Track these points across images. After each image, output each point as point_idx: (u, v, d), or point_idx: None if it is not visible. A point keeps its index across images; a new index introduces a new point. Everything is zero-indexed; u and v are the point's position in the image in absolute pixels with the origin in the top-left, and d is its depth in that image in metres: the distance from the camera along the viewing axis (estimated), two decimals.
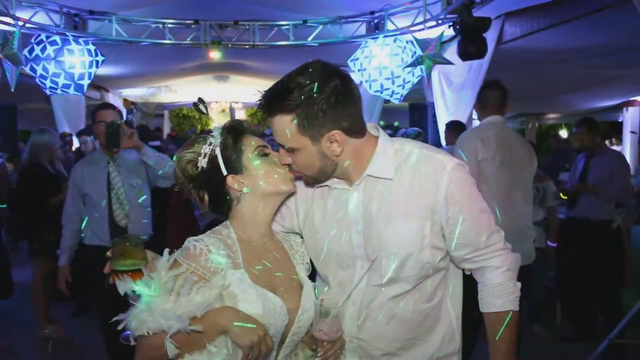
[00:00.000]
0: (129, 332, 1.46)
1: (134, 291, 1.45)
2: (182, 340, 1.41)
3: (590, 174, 4.77)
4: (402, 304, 1.59)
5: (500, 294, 1.60)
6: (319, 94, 1.42)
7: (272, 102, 1.48)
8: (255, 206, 1.62)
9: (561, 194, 4.96)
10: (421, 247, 1.55)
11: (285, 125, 1.47)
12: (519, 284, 1.64)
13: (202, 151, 1.61)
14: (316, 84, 1.42)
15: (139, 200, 3.60)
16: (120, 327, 1.43)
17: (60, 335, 5.01)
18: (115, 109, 3.76)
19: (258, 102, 1.52)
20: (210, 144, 1.62)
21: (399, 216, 1.54)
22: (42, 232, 4.97)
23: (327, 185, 1.65)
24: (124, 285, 1.46)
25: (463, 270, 1.69)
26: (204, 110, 1.70)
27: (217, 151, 1.60)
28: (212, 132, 1.65)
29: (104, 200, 3.56)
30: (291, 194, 1.70)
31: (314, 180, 1.60)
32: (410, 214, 1.54)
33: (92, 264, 3.58)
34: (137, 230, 3.52)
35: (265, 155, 1.62)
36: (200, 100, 1.72)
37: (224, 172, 1.60)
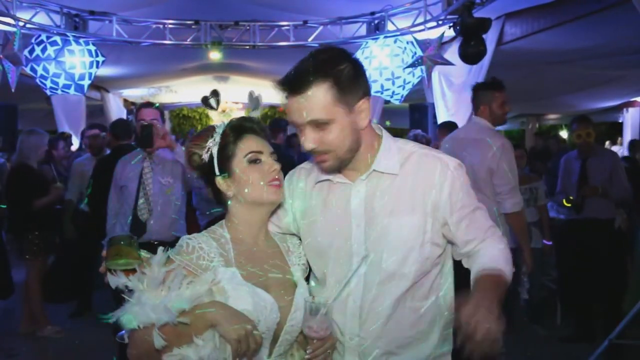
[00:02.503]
0: (124, 332, 1.48)
1: (127, 287, 1.47)
2: (171, 333, 1.42)
3: (592, 176, 4.73)
4: (402, 302, 1.60)
5: (495, 259, 1.58)
6: (344, 63, 1.49)
7: (304, 76, 1.47)
8: (243, 210, 1.63)
9: (564, 201, 4.86)
10: (422, 242, 1.57)
11: (320, 96, 1.46)
12: (512, 270, 1.61)
13: (207, 144, 1.63)
14: (338, 56, 1.51)
15: (168, 197, 3.67)
16: (111, 321, 1.44)
17: (61, 335, 5.00)
18: (157, 107, 3.85)
19: (280, 85, 1.52)
20: (214, 139, 1.63)
21: (403, 211, 1.56)
22: (28, 233, 4.93)
23: (328, 180, 1.65)
24: (116, 280, 1.48)
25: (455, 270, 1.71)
26: (214, 105, 1.71)
27: (215, 150, 1.61)
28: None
29: (133, 195, 3.67)
30: (294, 191, 1.70)
31: (338, 164, 1.57)
32: (414, 209, 1.56)
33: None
34: (158, 228, 3.62)
35: (256, 161, 1.60)
36: (214, 93, 1.73)
37: (216, 172, 1.61)
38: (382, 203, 1.58)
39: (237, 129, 1.62)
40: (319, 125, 1.49)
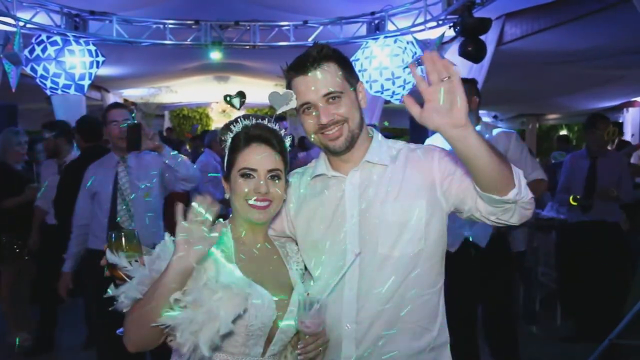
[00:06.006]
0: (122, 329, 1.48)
1: (127, 273, 1.50)
2: (151, 299, 1.39)
3: (601, 177, 4.72)
4: (404, 287, 1.62)
5: None
6: (338, 51, 1.70)
7: (316, 56, 1.63)
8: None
9: (571, 200, 4.81)
10: (417, 225, 1.62)
11: (331, 70, 1.64)
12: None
13: (225, 139, 1.67)
14: (331, 47, 1.70)
15: (147, 203, 3.49)
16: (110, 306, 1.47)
17: (28, 343, 4.81)
18: (127, 108, 3.67)
19: (292, 69, 1.66)
20: (227, 140, 1.67)
21: (395, 197, 1.63)
22: (1, 234, 4.71)
23: (324, 174, 1.73)
24: (116, 259, 1.52)
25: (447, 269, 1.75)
26: (237, 105, 1.73)
27: (226, 150, 1.66)
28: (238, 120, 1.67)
29: (108, 201, 3.48)
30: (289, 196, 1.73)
31: (350, 137, 1.65)
32: (406, 194, 1.63)
33: (89, 268, 3.52)
34: (141, 234, 3.39)
35: (249, 176, 1.61)
36: (240, 94, 1.75)
37: (224, 171, 1.67)
38: (375, 190, 1.65)
39: (248, 135, 1.63)
40: (333, 98, 1.63)
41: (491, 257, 3.55)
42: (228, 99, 1.75)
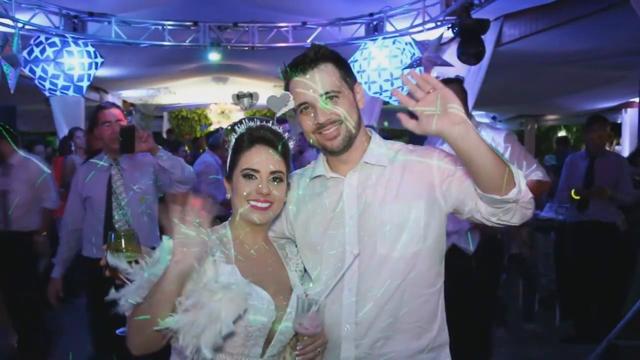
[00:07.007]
0: (124, 329, 1.48)
1: (127, 275, 1.50)
2: (152, 305, 1.39)
3: (599, 177, 4.74)
4: (402, 287, 1.62)
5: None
6: (336, 52, 1.71)
7: (314, 56, 1.64)
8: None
9: (573, 193, 4.83)
10: (416, 226, 1.62)
11: (329, 70, 1.65)
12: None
13: (229, 140, 1.68)
14: (328, 48, 1.72)
15: (142, 206, 3.40)
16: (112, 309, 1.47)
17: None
18: (119, 107, 3.55)
19: (292, 67, 1.67)
20: (231, 141, 1.67)
21: (394, 198, 1.64)
22: None
23: (322, 175, 1.73)
24: (116, 262, 1.52)
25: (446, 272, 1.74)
26: (246, 106, 1.74)
27: (230, 150, 1.67)
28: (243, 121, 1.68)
29: (103, 206, 3.37)
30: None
31: (348, 137, 1.66)
32: (405, 195, 1.63)
33: (85, 277, 3.50)
34: None
35: (251, 177, 1.62)
36: (251, 95, 1.76)
37: (226, 172, 1.67)
38: (373, 192, 1.65)
39: (252, 137, 1.64)
40: (331, 98, 1.63)
41: (481, 260, 3.54)
42: (238, 96, 1.75)
